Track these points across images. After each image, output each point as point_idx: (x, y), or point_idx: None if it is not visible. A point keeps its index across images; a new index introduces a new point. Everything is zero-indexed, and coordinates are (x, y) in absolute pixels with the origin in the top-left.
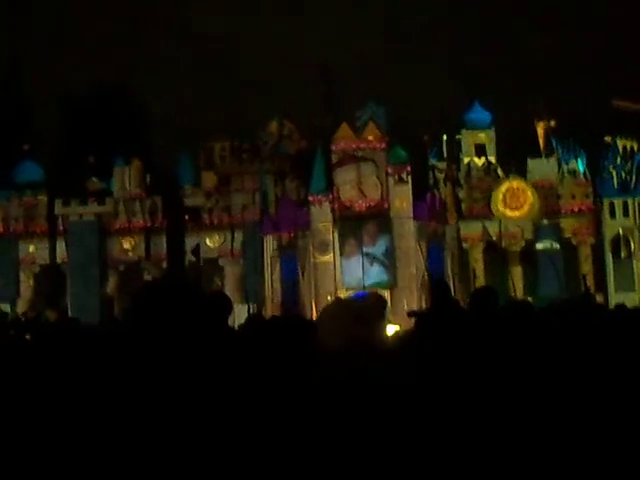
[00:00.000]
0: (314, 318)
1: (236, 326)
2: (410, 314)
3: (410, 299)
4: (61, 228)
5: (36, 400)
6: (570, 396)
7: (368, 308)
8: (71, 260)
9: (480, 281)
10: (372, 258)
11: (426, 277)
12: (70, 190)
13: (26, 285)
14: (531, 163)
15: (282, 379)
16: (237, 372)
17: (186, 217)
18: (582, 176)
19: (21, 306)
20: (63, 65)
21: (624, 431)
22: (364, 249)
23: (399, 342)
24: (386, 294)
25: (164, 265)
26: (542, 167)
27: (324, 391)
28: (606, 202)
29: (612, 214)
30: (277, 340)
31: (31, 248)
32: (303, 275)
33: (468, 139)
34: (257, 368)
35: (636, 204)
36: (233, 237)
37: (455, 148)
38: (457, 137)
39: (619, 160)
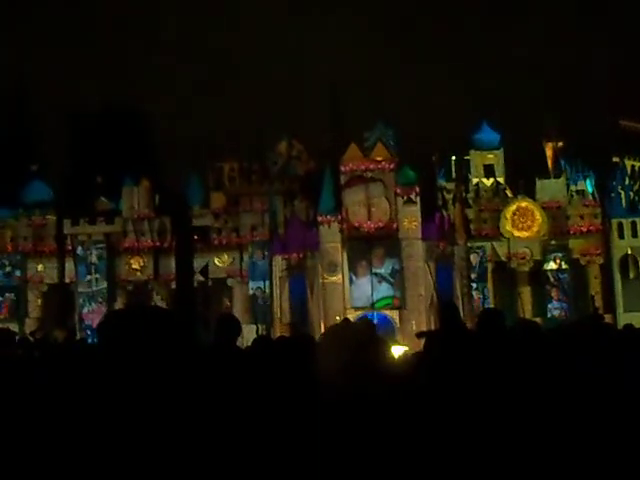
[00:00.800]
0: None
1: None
2: (419, 335)
3: (419, 320)
4: (70, 248)
5: (37, 417)
6: (578, 417)
7: (359, 333)
8: (79, 280)
9: (489, 302)
10: (381, 278)
11: (435, 298)
12: (79, 210)
13: (34, 304)
14: (539, 184)
15: (281, 400)
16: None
17: (195, 237)
18: (590, 196)
19: (29, 325)
20: (72, 85)
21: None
22: (373, 269)
23: (406, 364)
24: (395, 315)
25: (173, 285)
26: (551, 188)
27: (320, 413)
28: (614, 222)
29: (620, 234)
30: (282, 361)
31: (40, 267)
32: (312, 295)
33: (477, 159)
34: (256, 387)
35: None
36: (242, 257)
37: (464, 168)
38: (465, 157)
39: (627, 180)
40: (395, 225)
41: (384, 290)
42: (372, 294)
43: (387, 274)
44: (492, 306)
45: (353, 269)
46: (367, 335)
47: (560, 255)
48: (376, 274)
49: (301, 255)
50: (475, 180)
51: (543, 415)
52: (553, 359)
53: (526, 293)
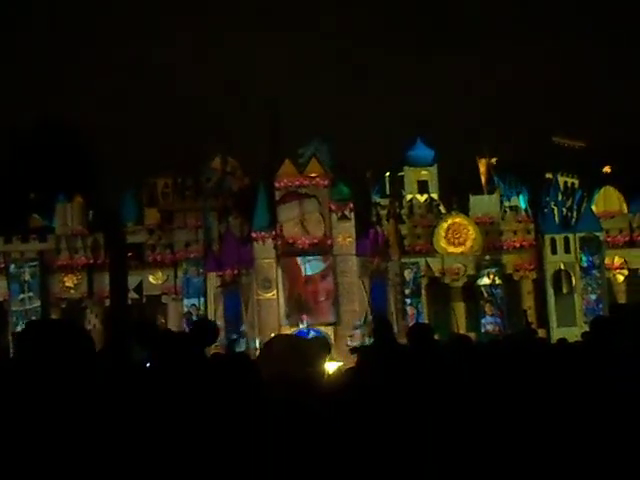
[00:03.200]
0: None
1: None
2: (352, 351)
3: (353, 336)
4: (2, 266)
5: None
6: (509, 430)
7: (313, 348)
8: (12, 298)
9: (423, 317)
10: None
11: (369, 314)
12: (11, 227)
13: None
14: (473, 200)
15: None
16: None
17: (129, 254)
18: (524, 212)
19: None
20: (5, 100)
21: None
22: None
23: (340, 379)
24: (329, 331)
25: (107, 303)
26: (484, 204)
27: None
28: (547, 238)
29: (553, 250)
30: (215, 378)
31: None
32: (247, 311)
33: (411, 176)
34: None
35: (577, 240)
36: (176, 274)
37: (398, 185)
38: (400, 174)
39: (560, 196)
40: (329, 241)
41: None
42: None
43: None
44: (426, 321)
45: (287, 286)
46: (320, 353)
47: (494, 270)
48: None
49: (236, 271)
50: (409, 196)
51: (473, 428)
52: (484, 372)
53: (460, 308)
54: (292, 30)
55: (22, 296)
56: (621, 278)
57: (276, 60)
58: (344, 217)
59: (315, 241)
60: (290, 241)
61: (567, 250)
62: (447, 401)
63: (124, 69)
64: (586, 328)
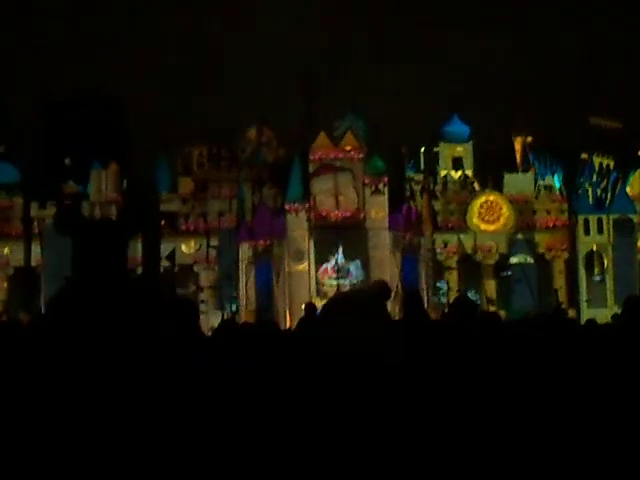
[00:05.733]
0: (288, 326)
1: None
2: None
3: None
4: (36, 231)
5: None
6: (533, 411)
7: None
8: (46, 263)
9: (453, 293)
10: (347, 268)
11: (400, 288)
12: (46, 193)
13: (0, 287)
14: (507, 177)
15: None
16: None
17: (162, 222)
18: (558, 192)
19: None
20: (41, 67)
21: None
22: (339, 259)
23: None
24: None
25: (139, 270)
26: (518, 182)
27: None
28: (581, 218)
29: (586, 230)
30: (246, 347)
31: (6, 250)
32: (278, 283)
33: (446, 152)
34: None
35: (610, 221)
36: (209, 244)
37: (433, 160)
38: (435, 150)
39: (595, 177)
40: (362, 215)
41: (351, 283)
42: (337, 285)
43: (355, 264)
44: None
45: (319, 258)
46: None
47: (526, 249)
48: (342, 264)
49: (268, 243)
50: (443, 172)
51: (501, 407)
52: (512, 350)
53: (491, 286)
54: (331, 4)
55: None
56: None
57: (311, 33)
58: (378, 191)
59: (348, 214)
60: (323, 214)
61: (600, 231)
62: (469, 379)
63: (161, 39)
64: (616, 310)
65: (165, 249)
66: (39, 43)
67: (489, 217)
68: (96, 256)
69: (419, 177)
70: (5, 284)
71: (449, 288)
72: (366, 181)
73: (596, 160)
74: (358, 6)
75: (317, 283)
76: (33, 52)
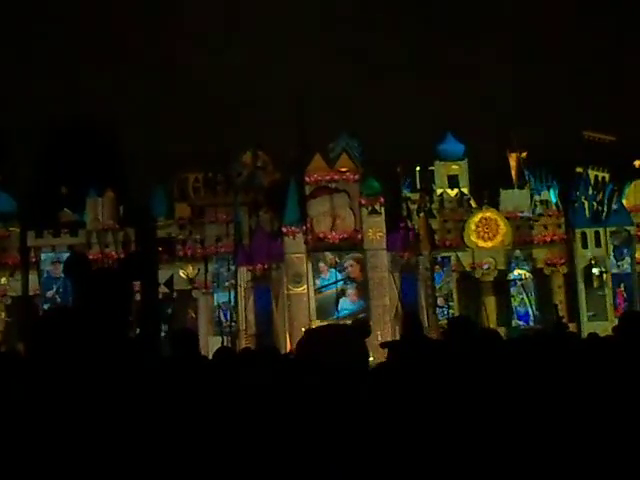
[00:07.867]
0: (288, 349)
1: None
2: (382, 345)
3: (384, 330)
4: (33, 260)
5: None
6: (535, 428)
7: (352, 333)
8: (43, 292)
9: (454, 311)
10: (345, 290)
11: (400, 308)
12: (43, 222)
13: None
14: (504, 194)
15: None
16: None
17: (159, 249)
18: (554, 206)
19: None
20: (39, 97)
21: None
22: (337, 280)
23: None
24: None
25: (137, 297)
26: (514, 198)
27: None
28: (578, 232)
29: (584, 244)
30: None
31: (3, 280)
32: (277, 306)
33: (441, 170)
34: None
35: (607, 234)
36: (207, 269)
37: (428, 179)
38: (430, 168)
39: (591, 190)
40: (360, 236)
41: (349, 304)
42: (336, 307)
43: (352, 285)
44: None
45: (317, 281)
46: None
47: (524, 265)
48: (341, 286)
49: (266, 266)
50: (439, 190)
51: (499, 425)
52: (512, 367)
53: (490, 302)
54: (324, 30)
55: (52, 290)
56: None
57: (308, 56)
58: (374, 212)
59: (345, 236)
60: (320, 236)
61: (598, 244)
62: (469, 395)
63: (155, 67)
64: (617, 322)
65: (163, 275)
66: (34, 73)
67: (486, 234)
68: (98, 306)
69: (415, 196)
70: (3, 314)
71: (449, 307)
72: (362, 202)
73: (591, 173)
74: (351, 26)
75: (317, 305)
76: (28, 81)
